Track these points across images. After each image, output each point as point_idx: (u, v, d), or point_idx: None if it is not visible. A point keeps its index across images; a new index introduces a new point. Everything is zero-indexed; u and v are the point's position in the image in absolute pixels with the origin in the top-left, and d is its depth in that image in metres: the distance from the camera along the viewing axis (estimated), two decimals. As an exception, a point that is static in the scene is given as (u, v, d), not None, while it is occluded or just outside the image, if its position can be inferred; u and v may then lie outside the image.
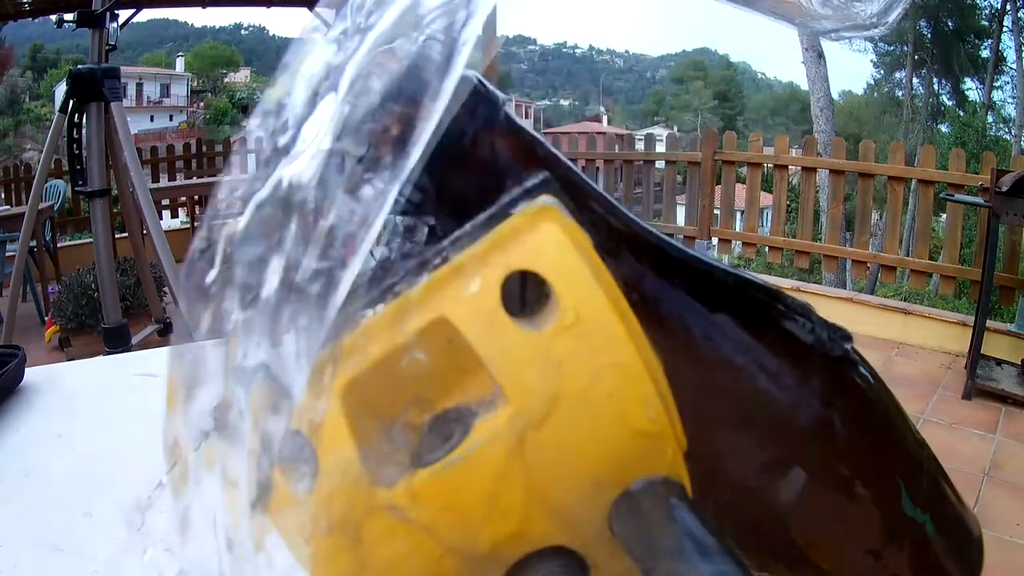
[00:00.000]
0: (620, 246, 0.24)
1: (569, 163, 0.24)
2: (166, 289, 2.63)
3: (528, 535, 0.17)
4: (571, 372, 0.16)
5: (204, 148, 6.40)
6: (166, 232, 2.47)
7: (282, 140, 0.21)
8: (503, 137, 0.23)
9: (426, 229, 0.23)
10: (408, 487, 0.16)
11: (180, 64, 29.96)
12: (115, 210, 3.08)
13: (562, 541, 0.17)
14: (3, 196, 5.73)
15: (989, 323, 2.82)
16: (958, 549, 0.27)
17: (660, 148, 4.58)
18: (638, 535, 0.16)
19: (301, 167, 0.19)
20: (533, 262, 0.17)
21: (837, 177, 3.78)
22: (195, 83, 29.36)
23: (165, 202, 5.59)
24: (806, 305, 0.26)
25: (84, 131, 2.40)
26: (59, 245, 4.52)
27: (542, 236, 0.17)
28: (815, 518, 0.25)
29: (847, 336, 0.26)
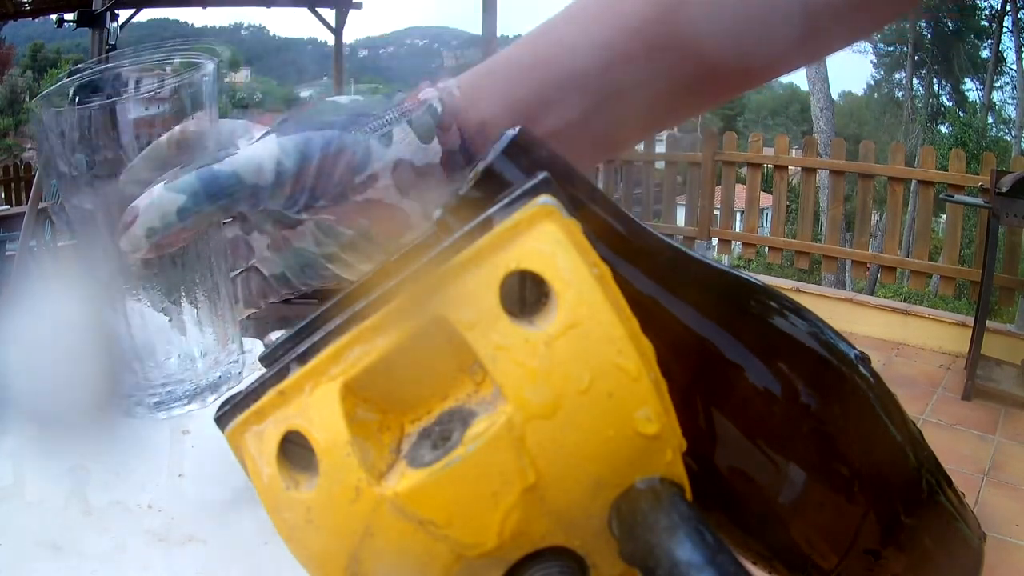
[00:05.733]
0: (620, 246, 0.24)
1: (569, 163, 0.24)
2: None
3: (528, 535, 0.17)
4: (571, 372, 0.16)
5: (204, 148, 6.38)
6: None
7: None
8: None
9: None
10: (407, 487, 0.16)
11: (180, 64, 29.93)
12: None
13: (562, 541, 0.17)
14: (3, 196, 5.72)
15: (989, 323, 2.82)
16: (958, 549, 0.27)
17: (660, 148, 4.58)
18: (638, 535, 0.16)
19: None
20: (532, 262, 0.17)
21: (837, 178, 3.78)
22: (195, 83, 29.33)
23: (165, 202, 5.58)
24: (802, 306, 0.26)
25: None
26: (59, 244, 4.52)
27: (541, 236, 0.17)
28: (815, 518, 0.25)
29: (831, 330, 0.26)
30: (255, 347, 0.58)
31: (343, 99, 0.35)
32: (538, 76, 0.34)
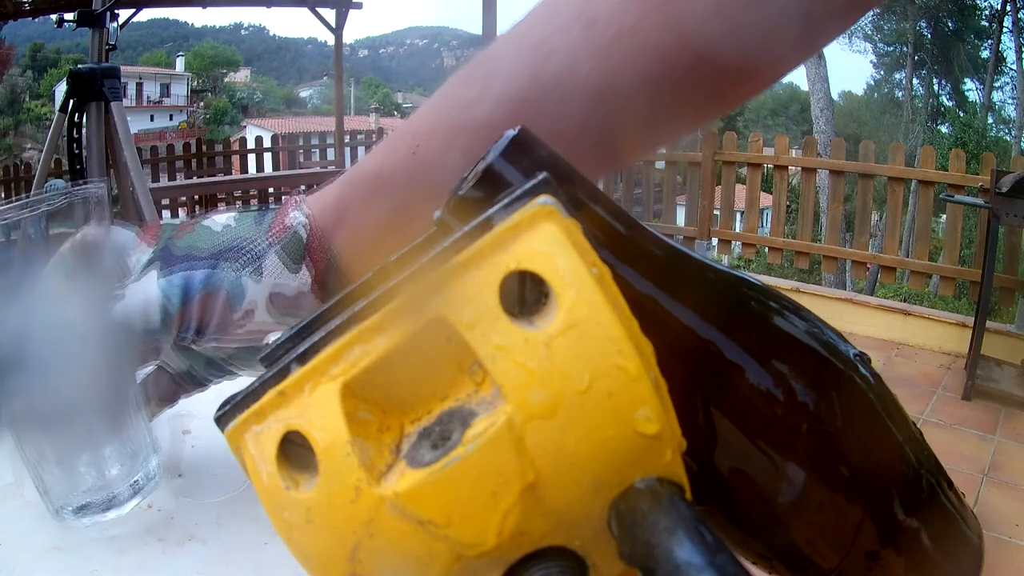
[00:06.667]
0: (620, 247, 0.24)
1: (569, 164, 0.24)
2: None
3: (527, 535, 0.17)
4: (570, 372, 0.16)
5: (204, 148, 6.40)
6: (166, 232, 2.46)
7: None
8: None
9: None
10: (407, 487, 0.16)
11: (180, 64, 29.93)
12: (115, 210, 3.08)
13: (562, 541, 0.17)
14: (3, 196, 5.73)
15: (989, 323, 2.82)
16: (958, 550, 0.27)
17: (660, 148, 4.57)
18: (637, 535, 0.16)
19: None
20: (532, 262, 0.17)
21: (837, 178, 3.77)
22: (195, 83, 29.32)
23: (165, 202, 5.58)
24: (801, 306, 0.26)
25: (84, 131, 2.40)
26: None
27: (541, 236, 0.17)
28: (815, 518, 0.25)
29: (835, 333, 0.26)
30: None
31: (217, 225, 0.37)
32: (398, 184, 0.35)
